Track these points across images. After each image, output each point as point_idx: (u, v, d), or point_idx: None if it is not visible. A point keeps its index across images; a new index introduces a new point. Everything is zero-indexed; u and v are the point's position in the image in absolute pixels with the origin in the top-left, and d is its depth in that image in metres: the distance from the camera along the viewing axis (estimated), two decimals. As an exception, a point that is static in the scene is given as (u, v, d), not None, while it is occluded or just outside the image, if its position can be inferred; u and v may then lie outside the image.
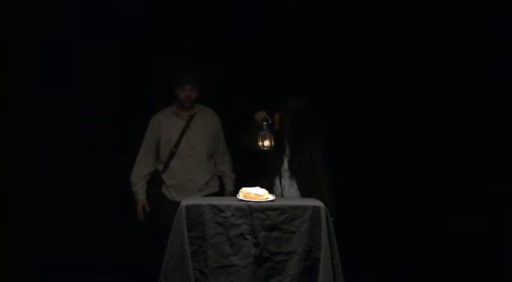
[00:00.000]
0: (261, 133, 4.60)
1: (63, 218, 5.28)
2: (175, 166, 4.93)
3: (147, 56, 5.36)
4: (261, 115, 4.74)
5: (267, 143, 4.58)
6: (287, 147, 4.75)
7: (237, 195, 3.81)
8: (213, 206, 3.67)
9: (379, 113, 5.48)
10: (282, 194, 4.56)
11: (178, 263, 3.61)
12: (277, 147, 4.68)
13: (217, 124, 5.09)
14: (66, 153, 5.34)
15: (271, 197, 3.79)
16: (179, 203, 4.05)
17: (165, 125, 4.97)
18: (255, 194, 3.76)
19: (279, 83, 5.31)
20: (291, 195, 4.56)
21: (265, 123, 4.63)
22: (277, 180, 4.61)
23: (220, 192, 4.93)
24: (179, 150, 4.94)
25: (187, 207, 3.66)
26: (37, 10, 5.22)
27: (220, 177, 5.08)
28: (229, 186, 5.03)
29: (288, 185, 4.60)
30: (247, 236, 3.64)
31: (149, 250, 4.47)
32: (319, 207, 3.69)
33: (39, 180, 5.28)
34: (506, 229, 5.30)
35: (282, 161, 4.72)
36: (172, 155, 4.94)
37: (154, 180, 4.98)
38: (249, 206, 3.67)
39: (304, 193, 4.49)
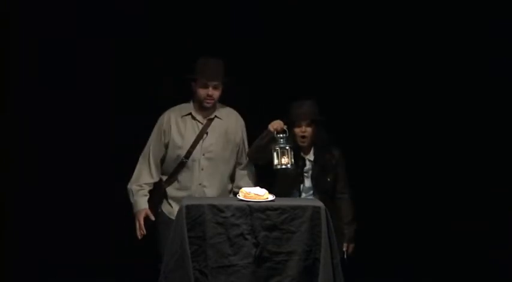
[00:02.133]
0: (277, 148, 4.11)
1: (63, 218, 5.28)
2: (184, 180, 4.28)
3: (148, 56, 5.36)
4: (277, 126, 4.22)
5: (285, 160, 4.11)
6: (309, 163, 4.43)
7: (237, 195, 3.81)
8: (213, 206, 3.67)
9: (377, 112, 5.48)
10: None
11: (178, 263, 3.61)
12: (296, 163, 4.28)
13: (241, 130, 4.42)
14: (67, 153, 5.34)
15: (271, 197, 3.79)
16: None
17: (176, 127, 4.32)
18: (255, 194, 3.76)
19: (281, 85, 5.29)
20: None
21: (282, 135, 4.14)
22: None
23: None
24: (191, 161, 4.25)
25: (187, 207, 3.66)
26: (37, 10, 5.22)
27: (235, 195, 4.08)
28: None
29: None
30: (247, 236, 3.65)
31: (149, 250, 4.46)
32: (319, 207, 3.69)
33: (39, 180, 5.27)
34: (506, 229, 5.31)
35: (303, 180, 4.42)
36: (181, 165, 4.26)
37: (155, 195, 4.32)
38: (249, 206, 3.68)
39: None
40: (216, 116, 4.35)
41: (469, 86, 5.39)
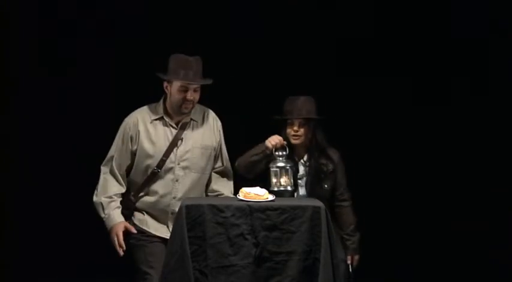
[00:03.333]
0: (276, 168, 3.84)
1: (63, 218, 5.28)
2: (156, 193, 3.88)
3: (149, 56, 5.35)
4: (275, 142, 3.93)
5: (284, 181, 3.87)
6: (303, 169, 4.18)
7: (237, 195, 3.81)
8: (213, 206, 3.67)
9: (376, 112, 5.47)
10: None
11: (178, 263, 3.61)
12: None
13: (219, 133, 4.07)
14: (67, 153, 5.34)
15: (271, 197, 3.79)
16: (155, 237, 3.76)
17: (145, 133, 3.87)
18: (255, 194, 3.76)
19: (278, 84, 5.27)
20: None
21: (282, 153, 3.85)
22: None
23: None
24: (164, 172, 3.84)
25: (187, 207, 3.65)
26: (37, 10, 5.23)
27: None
28: None
29: None
30: (247, 236, 3.64)
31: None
32: (319, 207, 3.69)
33: (39, 180, 5.28)
34: (506, 229, 5.31)
35: (296, 188, 4.13)
36: (153, 176, 3.83)
37: (123, 208, 3.91)
38: (249, 206, 3.67)
39: None
40: (191, 119, 3.94)
41: (468, 87, 5.40)
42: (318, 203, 3.80)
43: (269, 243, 3.65)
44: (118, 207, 3.89)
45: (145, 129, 3.89)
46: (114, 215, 3.86)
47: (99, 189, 3.92)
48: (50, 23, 5.23)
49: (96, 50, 5.30)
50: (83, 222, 5.29)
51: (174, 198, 3.92)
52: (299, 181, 4.20)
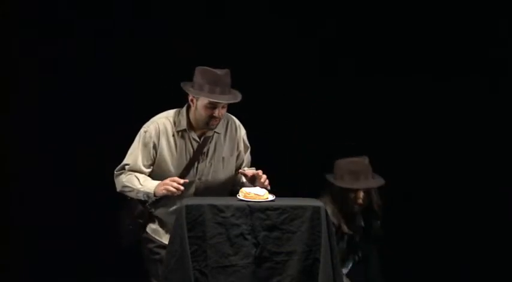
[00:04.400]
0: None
1: (63, 218, 5.28)
2: (174, 204, 3.82)
3: (150, 56, 5.36)
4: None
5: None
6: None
7: (237, 195, 3.81)
8: (213, 206, 3.67)
9: (378, 113, 5.47)
10: None
11: (178, 263, 3.61)
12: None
13: (242, 141, 3.93)
14: (67, 153, 5.34)
15: (271, 197, 3.79)
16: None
17: (167, 145, 3.76)
18: (255, 194, 3.76)
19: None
20: None
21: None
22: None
23: None
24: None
25: (187, 207, 3.65)
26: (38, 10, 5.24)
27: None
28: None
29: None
30: (247, 236, 3.65)
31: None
32: (319, 207, 3.69)
33: (39, 181, 5.28)
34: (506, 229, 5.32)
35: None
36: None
37: (138, 216, 3.83)
38: (249, 206, 3.68)
39: None
40: (214, 132, 3.81)
41: (467, 87, 5.40)
42: (318, 203, 3.81)
43: (269, 243, 3.65)
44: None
45: (167, 140, 3.77)
46: (150, 180, 3.71)
47: (124, 184, 3.78)
48: (50, 22, 5.23)
49: (97, 49, 5.30)
50: (83, 222, 5.32)
51: None
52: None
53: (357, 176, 4.02)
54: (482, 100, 5.38)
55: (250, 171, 3.89)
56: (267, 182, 3.81)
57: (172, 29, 5.30)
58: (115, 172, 3.89)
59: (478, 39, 5.38)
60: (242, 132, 3.97)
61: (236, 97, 3.74)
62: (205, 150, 3.79)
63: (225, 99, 3.67)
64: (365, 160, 4.09)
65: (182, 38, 5.28)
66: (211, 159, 3.85)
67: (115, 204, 4.88)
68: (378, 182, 4.09)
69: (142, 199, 3.82)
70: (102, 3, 5.28)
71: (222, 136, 3.88)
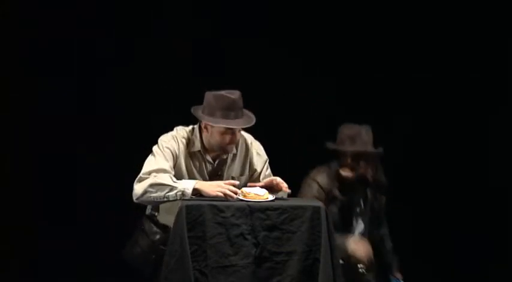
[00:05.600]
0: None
1: (63, 218, 5.28)
2: None
3: (149, 56, 5.35)
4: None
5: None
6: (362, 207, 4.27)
7: (237, 195, 3.81)
8: (213, 206, 3.67)
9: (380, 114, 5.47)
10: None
11: (178, 263, 3.61)
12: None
13: (262, 162, 3.88)
14: (67, 153, 5.34)
15: (271, 197, 3.79)
16: None
17: (184, 167, 3.72)
18: (255, 194, 3.76)
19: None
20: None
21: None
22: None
23: None
24: None
25: (187, 207, 3.65)
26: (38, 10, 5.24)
27: None
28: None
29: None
30: (247, 236, 3.65)
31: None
32: (319, 207, 3.70)
33: (40, 180, 5.28)
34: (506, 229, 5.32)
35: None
36: None
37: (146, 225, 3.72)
38: (249, 206, 3.68)
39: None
40: (228, 154, 3.75)
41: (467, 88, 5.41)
42: (317, 203, 3.81)
43: (269, 243, 3.65)
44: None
45: (185, 159, 3.71)
46: (185, 180, 3.58)
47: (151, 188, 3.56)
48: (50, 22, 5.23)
49: (97, 49, 5.30)
50: (83, 222, 5.32)
51: None
52: (359, 218, 4.29)
53: (354, 140, 4.09)
54: (483, 100, 5.40)
55: (262, 182, 3.80)
56: (285, 186, 3.75)
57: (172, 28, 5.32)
58: (140, 176, 3.67)
59: (478, 39, 5.38)
60: (255, 146, 3.92)
61: (251, 120, 3.70)
62: (219, 172, 3.78)
63: (240, 124, 3.63)
64: (366, 128, 4.15)
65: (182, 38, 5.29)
66: (228, 178, 3.82)
67: (115, 204, 4.92)
68: (371, 149, 4.11)
69: (171, 199, 3.64)
70: (103, 3, 5.27)
71: (236, 156, 3.86)
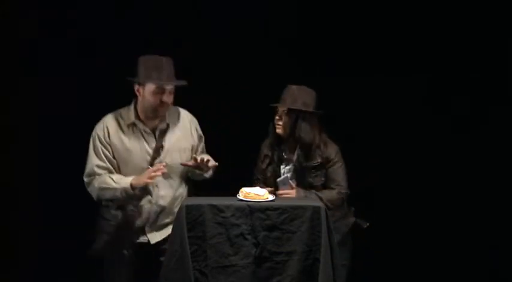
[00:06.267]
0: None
1: (63, 217, 5.28)
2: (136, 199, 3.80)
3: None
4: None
5: None
6: (291, 154, 4.19)
7: (237, 195, 3.81)
8: (213, 206, 3.68)
9: (377, 113, 5.47)
10: None
11: (178, 263, 3.62)
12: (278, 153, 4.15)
13: (196, 131, 4.01)
14: (67, 153, 5.34)
15: (271, 197, 3.80)
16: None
17: (119, 142, 3.77)
18: (255, 194, 3.77)
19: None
20: None
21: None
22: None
23: None
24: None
25: (187, 207, 3.66)
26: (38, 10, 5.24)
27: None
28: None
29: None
30: (247, 236, 3.65)
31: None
32: (319, 207, 3.70)
33: (40, 180, 5.28)
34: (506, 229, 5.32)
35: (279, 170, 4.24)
36: None
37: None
38: (249, 206, 3.68)
39: None
40: (167, 124, 3.83)
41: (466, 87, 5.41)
42: (318, 203, 3.81)
43: (269, 243, 3.66)
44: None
45: (118, 137, 3.81)
46: (123, 177, 3.76)
47: (97, 189, 3.85)
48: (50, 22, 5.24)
49: (97, 49, 5.30)
50: (83, 222, 5.32)
51: (151, 202, 3.92)
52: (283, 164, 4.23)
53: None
54: (482, 99, 5.39)
55: (199, 157, 3.88)
56: (212, 163, 3.85)
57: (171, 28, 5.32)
58: (84, 180, 3.92)
59: (477, 39, 5.38)
60: (194, 121, 4.04)
61: (181, 82, 3.78)
62: (163, 143, 3.82)
63: (172, 81, 3.71)
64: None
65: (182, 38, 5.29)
66: (168, 150, 3.88)
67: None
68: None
69: (121, 197, 3.85)
70: (103, 3, 5.28)
71: (175, 127, 3.91)
